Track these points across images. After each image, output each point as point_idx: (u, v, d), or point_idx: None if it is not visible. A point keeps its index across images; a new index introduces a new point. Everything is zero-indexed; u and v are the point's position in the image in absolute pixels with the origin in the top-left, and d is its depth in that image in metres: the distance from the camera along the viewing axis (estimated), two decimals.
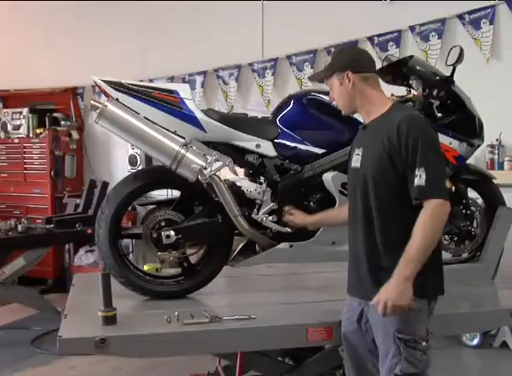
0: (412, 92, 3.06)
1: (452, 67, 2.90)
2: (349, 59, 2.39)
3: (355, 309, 2.40)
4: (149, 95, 2.74)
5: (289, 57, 6.08)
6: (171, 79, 6.56)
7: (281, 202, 2.87)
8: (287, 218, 2.84)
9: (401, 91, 3.12)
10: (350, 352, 2.46)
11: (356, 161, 2.38)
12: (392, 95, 3.11)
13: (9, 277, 4.89)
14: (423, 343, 2.22)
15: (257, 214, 2.85)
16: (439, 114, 2.92)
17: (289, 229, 2.85)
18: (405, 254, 2.12)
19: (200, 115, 2.79)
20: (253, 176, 2.97)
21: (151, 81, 6.26)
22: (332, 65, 2.41)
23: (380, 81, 3.18)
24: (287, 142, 2.92)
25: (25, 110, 6.99)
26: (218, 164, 2.75)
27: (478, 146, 3.03)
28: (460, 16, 5.19)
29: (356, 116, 2.86)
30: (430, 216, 2.12)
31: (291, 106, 2.97)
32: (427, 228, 2.11)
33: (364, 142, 2.37)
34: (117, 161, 7.07)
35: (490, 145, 4.98)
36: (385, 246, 2.24)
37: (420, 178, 2.13)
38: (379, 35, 5.63)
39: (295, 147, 2.92)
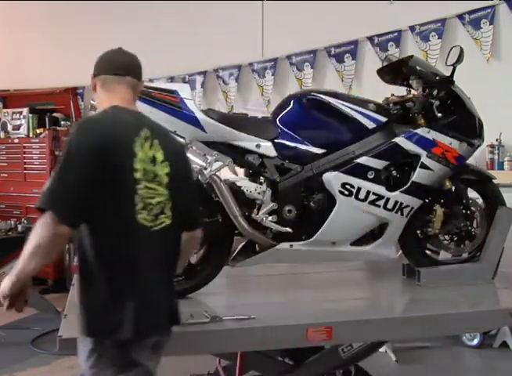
0: (412, 92, 3.07)
1: (452, 67, 2.91)
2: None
3: None
4: (149, 95, 2.73)
5: (289, 57, 6.08)
6: (171, 79, 6.56)
7: (281, 202, 2.87)
8: None
9: (401, 91, 3.12)
10: None
11: None
12: (392, 95, 3.12)
13: None
14: None
15: (257, 214, 2.84)
16: (439, 114, 2.93)
17: (289, 229, 2.85)
18: None
19: (200, 115, 2.78)
20: (253, 176, 2.96)
21: (151, 81, 6.25)
22: None
23: (380, 80, 3.24)
24: (287, 142, 2.91)
25: (25, 110, 6.99)
26: (218, 164, 2.75)
27: (478, 146, 3.03)
28: (460, 16, 5.20)
29: (357, 117, 2.90)
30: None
31: (291, 106, 2.97)
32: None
33: None
34: None
35: (490, 145, 4.99)
36: None
37: None
38: (379, 35, 5.64)
39: (295, 147, 2.91)
